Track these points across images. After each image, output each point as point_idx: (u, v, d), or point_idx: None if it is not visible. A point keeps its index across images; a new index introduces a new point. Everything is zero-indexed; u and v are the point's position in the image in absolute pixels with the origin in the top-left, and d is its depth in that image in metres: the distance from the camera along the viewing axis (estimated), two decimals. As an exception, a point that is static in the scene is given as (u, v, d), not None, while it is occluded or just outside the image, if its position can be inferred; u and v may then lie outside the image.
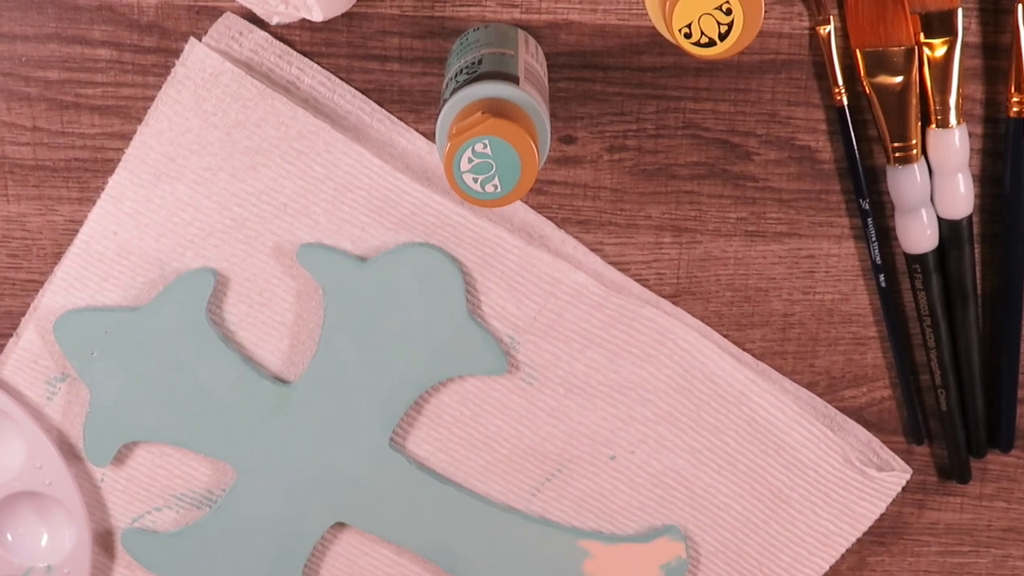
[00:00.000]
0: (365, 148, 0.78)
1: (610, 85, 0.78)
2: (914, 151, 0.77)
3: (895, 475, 0.83)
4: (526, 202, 0.80)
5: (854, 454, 0.83)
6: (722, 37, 0.65)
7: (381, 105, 0.79)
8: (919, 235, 0.79)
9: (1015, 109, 0.77)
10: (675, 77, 0.78)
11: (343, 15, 0.77)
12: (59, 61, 0.78)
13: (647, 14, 0.76)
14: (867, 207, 0.79)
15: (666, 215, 0.80)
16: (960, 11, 0.75)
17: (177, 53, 0.78)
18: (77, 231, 0.81)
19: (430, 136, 0.79)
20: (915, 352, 0.83)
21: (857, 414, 0.84)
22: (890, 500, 0.84)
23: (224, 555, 0.85)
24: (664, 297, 0.82)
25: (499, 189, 0.66)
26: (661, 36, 0.76)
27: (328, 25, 0.77)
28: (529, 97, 0.68)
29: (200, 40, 0.77)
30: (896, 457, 0.85)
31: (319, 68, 0.78)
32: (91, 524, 0.85)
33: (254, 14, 0.77)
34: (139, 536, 0.85)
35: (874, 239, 0.79)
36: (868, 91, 0.77)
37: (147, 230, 0.80)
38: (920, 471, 0.86)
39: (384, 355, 0.81)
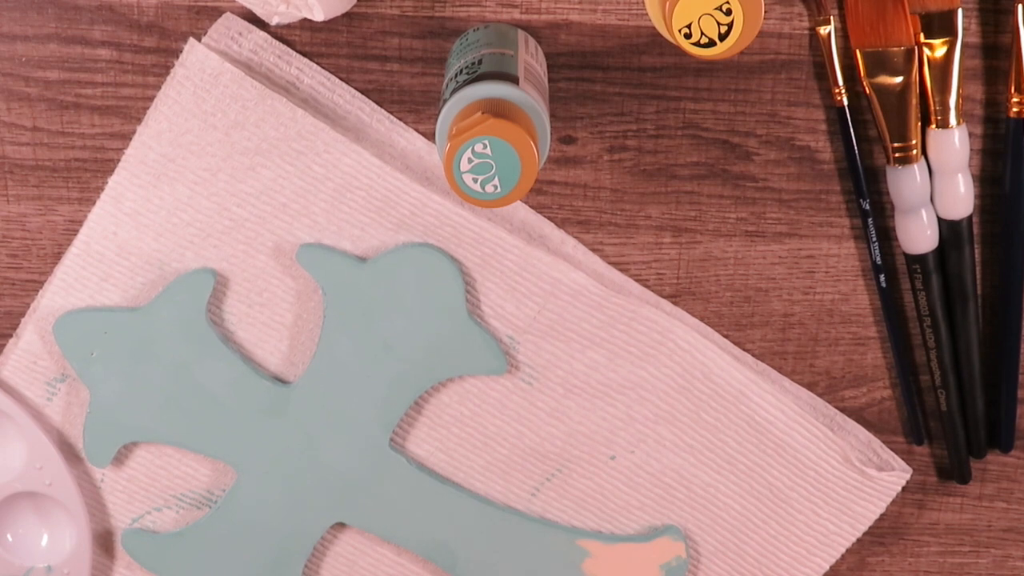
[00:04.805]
0: (364, 148, 0.78)
1: (610, 85, 0.78)
2: (914, 151, 0.77)
3: (895, 475, 0.83)
4: (526, 202, 0.80)
5: (854, 454, 0.83)
6: (722, 37, 0.65)
7: (381, 105, 0.79)
8: (919, 235, 0.79)
9: (1015, 109, 0.77)
10: (675, 77, 0.78)
11: (343, 15, 0.77)
12: (59, 61, 0.78)
13: (647, 14, 0.76)
14: (867, 207, 0.79)
15: (666, 215, 0.80)
16: (960, 11, 0.75)
17: (177, 53, 0.78)
18: (77, 231, 0.81)
19: (430, 136, 0.79)
20: (915, 352, 0.83)
21: (857, 414, 0.84)
22: (890, 500, 0.84)
23: (224, 555, 0.85)
24: (664, 297, 0.82)
25: (499, 189, 0.66)
26: (661, 36, 0.76)
27: (328, 25, 0.77)
28: (529, 97, 0.68)
29: (199, 40, 0.77)
30: (896, 457, 0.85)
31: (318, 68, 0.78)
32: (91, 524, 0.85)
33: (254, 14, 0.77)
34: (139, 536, 0.85)
35: (874, 239, 0.79)
36: (868, 91, 0.77)
37: (147, 231, 0.80)
38: (920, 471, 0.86)
39: (384, 355, 0.81)
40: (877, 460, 0.84)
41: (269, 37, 0.78)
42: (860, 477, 0.83)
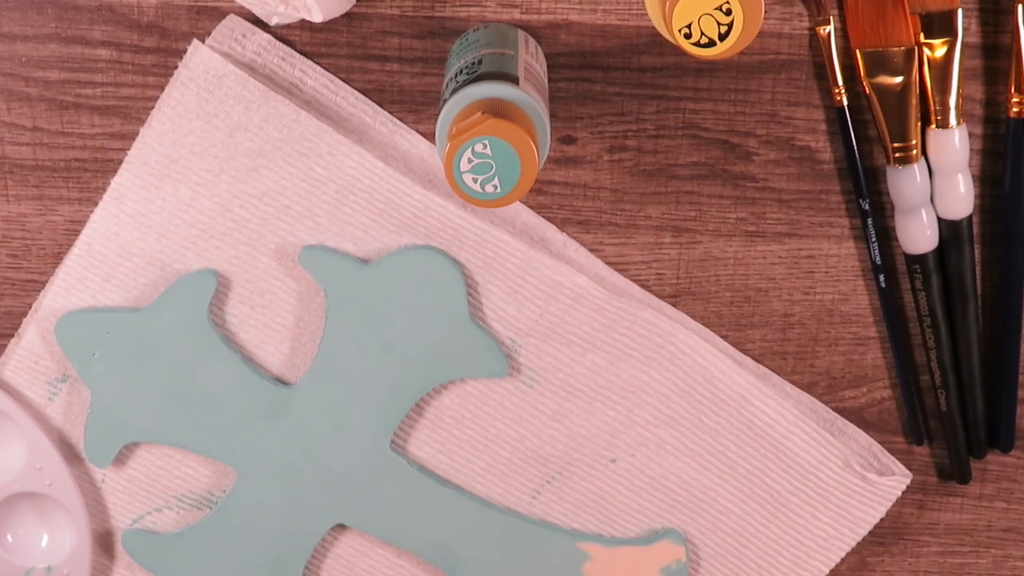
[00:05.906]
0: (367, 151, 0.78)
1: (610, 85, 0.78)
2: (914, 151, 0.77)
3: (895, 480, 0.83)
4: (525, 203, 0.80)
5: (854, 458, 0.83)
6: (722, 37, 0.65)
7: (381, 105, 0.79)
8: (919, 235, 0.79)
9: (1015, 109, 0.77)
10: (675, 77, 0.78)
11: (343, 15, 0.77)
12: (59, 61, 0.78)
13: (647, 14, 0.77)
14: (867, 207, 0.79)
15: (666, 215, 0.81)
16: (960, 11, 0.76)
17: (177, 53, 0.78)
18: (77, 231, 0.81)
19: (430, 136, 0.79)
20: (915, 352, 0.83)
21: (857, 414, 0.84)
22: (890, 505, 0.84)
23: (224, 556, 0.85)
24: (664, 297, 0.82)
25: (499, 189, 0.67)
26: (661, 36, 0.76)
27: (328, 25, 0.77)
28: (529, 97, 0.68)
29: (203, 42, 0.78)
30: (896, 462, 0.84)
31: (322, 70, 0.78)
32: (91, 525, 0.85)
33: (257, 16, 0.77)
34: (139, 537, 0.85)
35: (874, 239, 0.79)
36: (868, 91, 0.77)
37: (149, 231, 0.80)
38: (920, 471, 0.86)
39: (385, 357, 0.81)
40: (877, 465, 0.84)
41: (272, 39, 0.78)
42: (860, 482, 0.83)
